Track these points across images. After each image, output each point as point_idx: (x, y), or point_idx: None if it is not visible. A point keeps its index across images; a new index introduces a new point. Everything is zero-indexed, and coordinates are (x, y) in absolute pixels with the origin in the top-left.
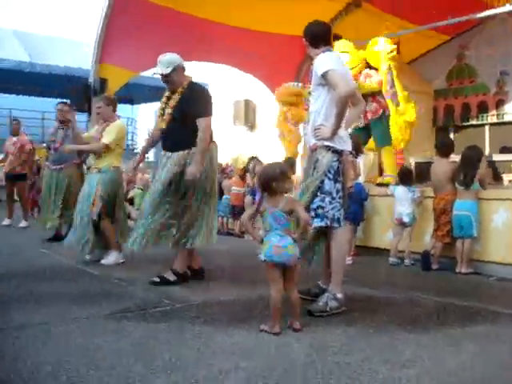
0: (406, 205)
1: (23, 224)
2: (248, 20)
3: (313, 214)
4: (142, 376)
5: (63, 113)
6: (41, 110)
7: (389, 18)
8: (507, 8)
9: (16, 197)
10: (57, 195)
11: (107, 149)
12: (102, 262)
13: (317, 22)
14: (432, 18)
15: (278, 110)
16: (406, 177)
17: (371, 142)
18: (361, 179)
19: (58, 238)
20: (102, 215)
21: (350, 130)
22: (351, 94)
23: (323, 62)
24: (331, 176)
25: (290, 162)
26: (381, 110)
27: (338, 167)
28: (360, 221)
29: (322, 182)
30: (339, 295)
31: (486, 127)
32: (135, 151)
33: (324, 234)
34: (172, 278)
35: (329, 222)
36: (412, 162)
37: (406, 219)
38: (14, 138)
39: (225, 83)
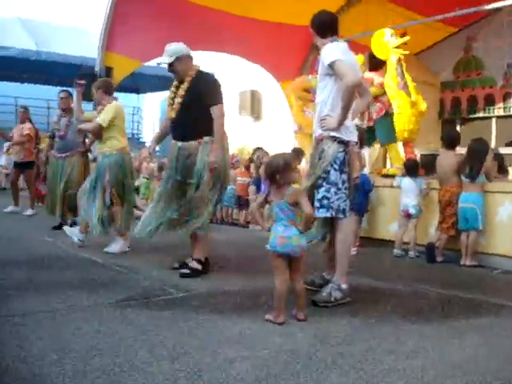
0: (412, 196)
1: (29, 212)
2: (255, 10)
3: (318, 204)
4: (146, 363)
5: (65, 101)
6: (46, 98)
7: (396, 8)
8: None
9: (23, 185)
10: (61, 182)
11: (102, 128)
12: (106, 249)
13: (324, 12)
14: (439, 10)
15: (294, 104)
16: (412, 168)
17: None
18: (366, 170)
19: (63, 226)
20: (112, 201)
21: (356, 121)
22: (358, 84)
23: (330, 51)
24: (337, 167)
25: (297, 153)
26: (384, 110)
27: (344, 158)
28: (365, 212)
29: (328, 172)
30: (344, 286)
31: (493, 120)
32: (140, 140)
33: (329, 224)
34: (200, 267)
35: (334, 213)
36: (417, 153)
37: (412, 211)
38: (21, 126)
39: (231, 73)
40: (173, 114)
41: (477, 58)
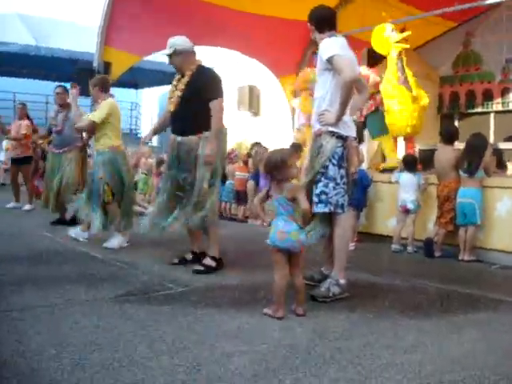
0: (410, 192)
1: (27, 207)
2: (254, 5)
3: (316, 199)
4: (145, 358)
5: (62, 96)
6: (44, 93)
7: (394, 3)
8: None
9: (22, 180)
10: (56, 177)
11: (95, 126)
12: (105, 245)
13: (322, 7)
14: (438, 4)
15: (300, 98)
16: (410, 164)
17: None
18: (364, 166)
19: (62, 221)
20: (106, 197)
21: (354, 117)
22: (356, 79)
23: (328, 46)
24: (335, 162)
25: (295, 148)
26: (374, 106)
27: (343, 153)
28: (363, 207)
29: (326, 167)
30: (342, 281)
31: (491, 115)
32: (139, 135)
33: (327, 219)
34: (214, 264)
35: (332, 208)
36: (416, 148)
37: (410, 206)
38: (19, 122)
39: (229, 68)
40: (171, 108)
41: (475, 52)
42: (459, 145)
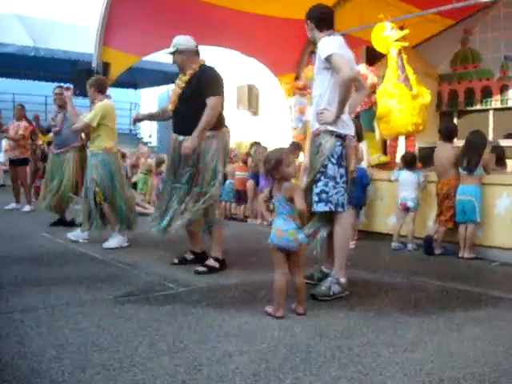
0: (410, 190)
1: (27, 208)
2: (252, 4)
3: (316, 198)
4: (145, 358)
5: (60, 97)
6: (44, 94)
7: (393, 2)
8: None
9: (18, 181)
10: (55, 177)
11: (89, 127)
12: (104, 245)
13: (322, 5)
14: (436, 3)
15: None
16: (410, 161)
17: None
18: (364, 164)
19: (62, 222)
20: (97, 198)
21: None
22: (354, 78)
23: (327, 45)
24: (335, 161)
25: (295, 147)
26: (368, 105)
27: (342, 152)
28: (362, 205)
29: (326, 166)
30: (342, 279)
31: (490, 112)
32: (138, 136)
33: (327, 218)
34: (217, 265)
35: (333, 207)
36: (416, 146)
37: (410, 204)
38: (17, 123)
39: (228, 67)
40: (171, 106)
41: (474, 50)
42: (458, 142)
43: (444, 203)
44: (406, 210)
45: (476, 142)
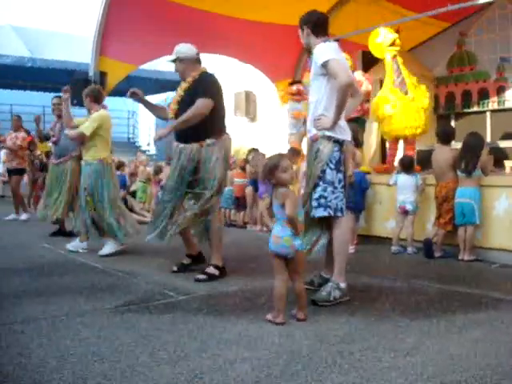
0: (408, 193)
1: (24, 217)
2: (248, 11)
3: (315, 204)
4: (146, 368)
5: (59, 107)
6: (41, 104)
7: (388, 5)
8: None
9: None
10: (55, 188)
11: (84, 137)
12: (100, 253)
13: (317, 11)
14: (431, 5)
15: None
16: (407, 165)
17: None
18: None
19: (61, 232)
20: (87, 208)
21: None
22: (351, 83)
23: (324, 51)
24: (333, 166)
25: (292, 152)
26: (359, 114)
27: (340, 157)
28: (361, 210)
29: (324, 171)
30: (342, 284)
31: (487, 114)
32: (136, 144)
33: (326, 224)
34: (217, 272)
35: (332, 212)
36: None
37: (409, 207)
38: (14, 134)
39: (225, 74)
40: (170, 114)
41: (469, 52)
42: (456, 144)
43: (443, 206)
44: (405, 213)
45: (473, 144)
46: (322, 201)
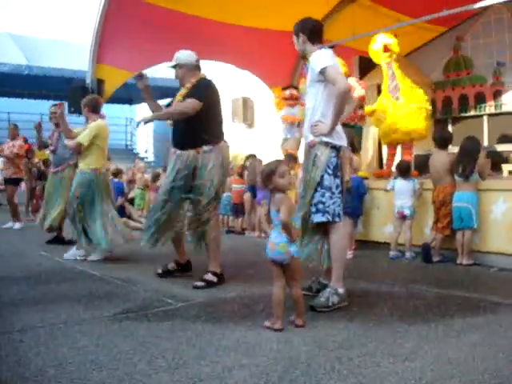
0: (406, 198)
1: (17, 226)
2: (245, 17)
3: (314, 209)
4: (145, 376)
5: (55, 115)
6: (39, 112)
7: (385, 11)
8: None
9: (15, 200)
10: (53, 197)
11: (81, 147)
12: (89, 258)
13: (312, 18)
14: (427, 11)
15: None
16: (404, 170)
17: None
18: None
19: (58, 240)
20: (76, 216)
21: None
22: (349, 90)
23: (321, 58)
24: (330, 171)
25: (289, 158)
26: (352, 120)
27: (337, 162)
28: (359, 215)
29: (322, 177)
30: (341, 290)
31: (484, 118)
32: (134, 151)
33: (322, 229)
34: (215, 279)
35: (330, 217)
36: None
37: (407, 212)
38: (11, 142)
39: (222, 80)
40: (169, 120)
41: (466, 57)
42: (453, 149)
43: (440, 210)
44: (403, 218)
45: (470, 148)
46: (321, 206)
